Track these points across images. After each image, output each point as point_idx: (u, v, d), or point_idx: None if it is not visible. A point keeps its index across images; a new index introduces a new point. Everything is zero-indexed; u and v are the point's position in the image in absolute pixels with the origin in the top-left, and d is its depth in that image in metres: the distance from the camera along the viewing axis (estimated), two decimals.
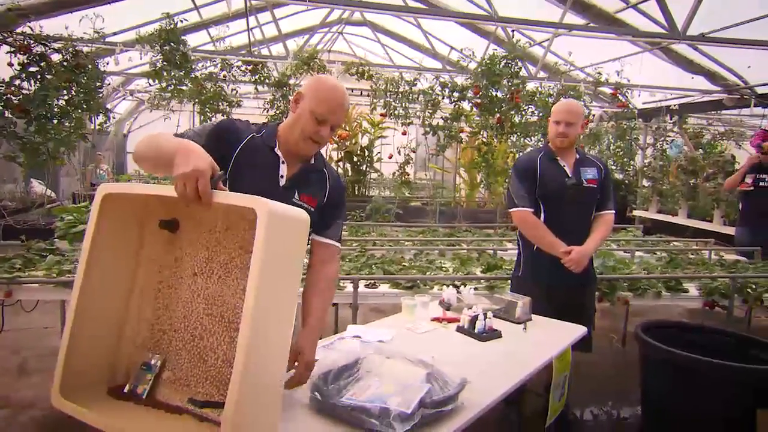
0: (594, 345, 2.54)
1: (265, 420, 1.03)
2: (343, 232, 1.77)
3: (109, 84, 6.05)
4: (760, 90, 6.85)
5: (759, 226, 4.62)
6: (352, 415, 1.20)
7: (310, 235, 1.57)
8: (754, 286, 3.27)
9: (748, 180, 4.61)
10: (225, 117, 6.14)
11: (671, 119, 8.36)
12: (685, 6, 4.92)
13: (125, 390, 1.19)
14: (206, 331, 1.19)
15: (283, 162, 1.52)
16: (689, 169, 7.66)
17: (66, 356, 1.11)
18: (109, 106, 9.51)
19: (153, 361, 1.21)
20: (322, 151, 1.65)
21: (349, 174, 9.02)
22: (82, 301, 1.12)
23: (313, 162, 1.59)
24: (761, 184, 4.55)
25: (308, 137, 1.45)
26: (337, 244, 1.63)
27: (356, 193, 8.99)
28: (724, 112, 8.60)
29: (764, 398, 2.22)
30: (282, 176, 1.51)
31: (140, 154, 1.22)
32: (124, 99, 10.78)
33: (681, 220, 7.97)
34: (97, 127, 6.36)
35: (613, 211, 2.60)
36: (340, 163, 8.94)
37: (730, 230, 6.83)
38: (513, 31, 6.41)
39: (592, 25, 6.26)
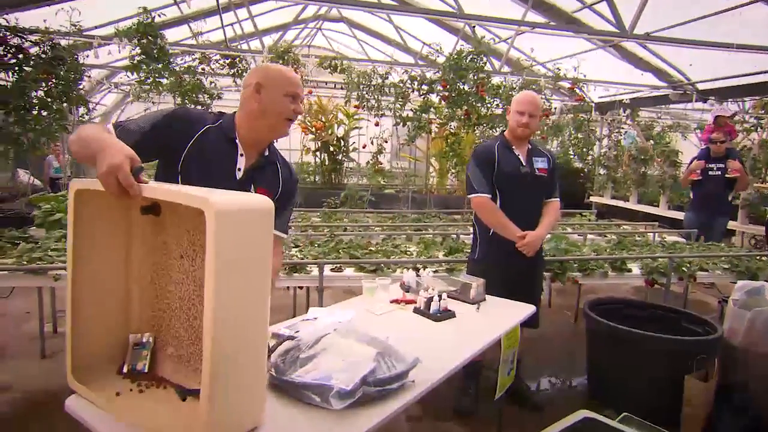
0: (550, 321, 2.57)
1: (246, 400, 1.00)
2: (289, 223, 1.75)
3: (90, 77, 5.77)
4: (700, 86, 6.97)
5: (703, 209, 4.72)
6: (298, 391, 1.18)
7: None
8: (689, 265, 3.34)
9: (698, 170, 4.65)
10: (184, 106, 5.96)
11: (624, 112, 8.47)
12: (634, 6, 4.94)
13: (124, 370, 1.17)
14: (198, 313, 1.13)
15: (241, 154, 1.47)
16: (639, 158, 7.81)
17: (72, 341, 1.10)
18: (95, 98, 9.15)
19: (145, 339, 1.20)
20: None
21: (326, 163, 8.91)
22: (77, 289, 1.10)
23: (267, 154, 1.54)
24: (710, 173, 4.61)
25: (287, 118, 1.45)
26: (283, 235, 1.60)
27: (333, 181, 8.88)
28: (670, 105, 8.74)
29: (691, 365, 2.28)
30: (239, 169, 1.46)
31: (71, 147, 1.17)
32: (110, 92, 10.39)
33: (632, 205, 8.15)
34: (79, 118, 6.09)
35: (559, 199, 2.62)
36: (318, 153, 8.81)
37: (675, 214, 7.01)
38: (473, 27, 6.34)
39: (551, 23, 6.25)
